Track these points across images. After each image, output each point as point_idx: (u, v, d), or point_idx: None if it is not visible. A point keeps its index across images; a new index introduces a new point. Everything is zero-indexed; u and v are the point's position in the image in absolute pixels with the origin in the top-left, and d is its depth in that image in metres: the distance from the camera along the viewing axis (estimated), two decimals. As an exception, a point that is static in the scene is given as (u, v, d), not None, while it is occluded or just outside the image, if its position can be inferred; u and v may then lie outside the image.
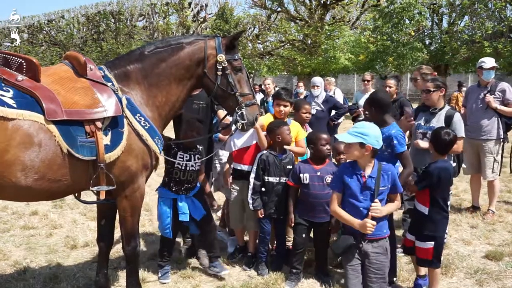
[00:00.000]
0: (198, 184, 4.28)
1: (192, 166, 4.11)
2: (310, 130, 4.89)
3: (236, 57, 3.54)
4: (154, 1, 31.91)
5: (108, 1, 33.57)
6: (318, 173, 4.11)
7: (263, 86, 9.01)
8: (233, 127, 3.79)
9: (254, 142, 4.43)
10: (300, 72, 25.83)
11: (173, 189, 4.12)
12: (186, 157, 4.09)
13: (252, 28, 30.36)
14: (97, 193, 3.17)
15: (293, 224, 4.18)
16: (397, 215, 4.87)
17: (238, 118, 3.51)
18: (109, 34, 32.66)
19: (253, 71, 30.01)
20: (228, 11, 27.53)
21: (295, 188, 4.20)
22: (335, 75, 29.22)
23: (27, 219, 6.03)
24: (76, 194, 3.33)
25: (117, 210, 3.43)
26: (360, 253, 3.35)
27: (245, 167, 4.42)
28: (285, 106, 4.51)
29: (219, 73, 3.46)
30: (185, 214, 4.08)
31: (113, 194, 3.27)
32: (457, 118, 4.55)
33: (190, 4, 31.19)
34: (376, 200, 3.27)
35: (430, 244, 3.63)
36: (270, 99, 8.13)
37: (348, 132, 3.33)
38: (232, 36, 3.53)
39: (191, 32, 30.71)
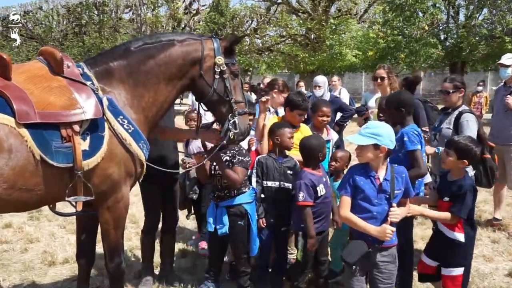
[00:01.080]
0: (237, 199, 4.06)
1: (219, 170, 4.06)
2: (333, 134, 4.84)
3: (235, 61, 3.59)
4: (141, -9, 31.95)
5: (91, -9, 33.61)
6: (324, 179, 4.10)
7: (262, 85, 8.99)
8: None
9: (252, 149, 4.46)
10: (302, 70, 25.90)
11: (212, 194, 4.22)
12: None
13: (250, 22, 30.45)
14: (75, 204, 3.13)
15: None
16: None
17: (231, 127, 3.50)
18: (92, 27, 32.64)
19: (251, 69, 30.03)
20: (224, 2, 27.64)
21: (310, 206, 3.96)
22: (341, 73, 29.27)
23: (-1, 232, 6.00)
24: (51, 205, 3.28)
25: (99, 223, 3.39)
26: (369, 262, 3.33)
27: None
28: (301, 114, 4.51)
29: (217, 76, 3.46)
30: (209, 223, 4.12)
31: (94, 205, 3.22)
32: (465, 118, 4.52)
33: (181, -6, 31.28)
34: (394, 204, 3.29)
35: (460, 271, 3.58)
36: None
37: (359, 133, 3.33)
38: (232, 39, 3.56)
39: (183, 26, 30.78)
